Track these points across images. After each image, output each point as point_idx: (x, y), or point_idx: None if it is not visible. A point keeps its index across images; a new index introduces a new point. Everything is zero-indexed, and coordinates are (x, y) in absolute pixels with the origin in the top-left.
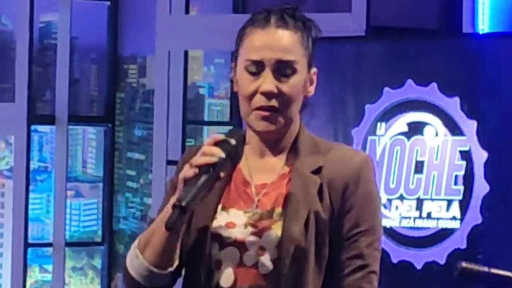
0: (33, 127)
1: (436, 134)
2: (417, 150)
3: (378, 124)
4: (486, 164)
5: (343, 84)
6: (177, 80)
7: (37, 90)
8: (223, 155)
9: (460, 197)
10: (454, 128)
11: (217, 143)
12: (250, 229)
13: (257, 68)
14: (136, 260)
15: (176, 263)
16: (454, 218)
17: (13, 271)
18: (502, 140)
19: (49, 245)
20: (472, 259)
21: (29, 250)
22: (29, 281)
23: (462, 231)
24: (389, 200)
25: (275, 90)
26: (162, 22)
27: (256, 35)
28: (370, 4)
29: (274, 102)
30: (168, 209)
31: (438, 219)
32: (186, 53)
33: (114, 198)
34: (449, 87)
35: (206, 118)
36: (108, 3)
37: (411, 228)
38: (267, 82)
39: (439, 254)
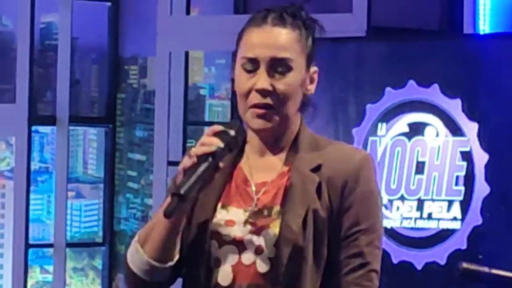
0: (34, 127)
1: (437, 135)
2: (418, 151)
3: (379, 124)
4: (487, 165)
5: (344, 84)
6: (178, 81)
7: (38, 91)
8: (221, 144)
9: (461, 198)
10: (455, 129)
11: (216, 134)
12: (249, 227)
13: (252, 65)
14: (136, 255)
15: (177, 257)
16: (454, 218)
17: (14, 271)
18: (503, 141)
19: (50, 245)
20: (473, 259)
21: (30, 250)
22: (30, 282)
23: (462, 231)
24: (390, 201)
25: (270, 88)
26: (163, 22)
27: (253, 33)
28: (371, 5)
29: (269, 100)
30: (167, 200)
31: (438, 219)
32: (187, 54)
33: (115, 199)
34: (450, 88)
35: (207, 119)
36: (109, 3)
37: (411, 228)
38: (262, 79)
39: (439, 254)
